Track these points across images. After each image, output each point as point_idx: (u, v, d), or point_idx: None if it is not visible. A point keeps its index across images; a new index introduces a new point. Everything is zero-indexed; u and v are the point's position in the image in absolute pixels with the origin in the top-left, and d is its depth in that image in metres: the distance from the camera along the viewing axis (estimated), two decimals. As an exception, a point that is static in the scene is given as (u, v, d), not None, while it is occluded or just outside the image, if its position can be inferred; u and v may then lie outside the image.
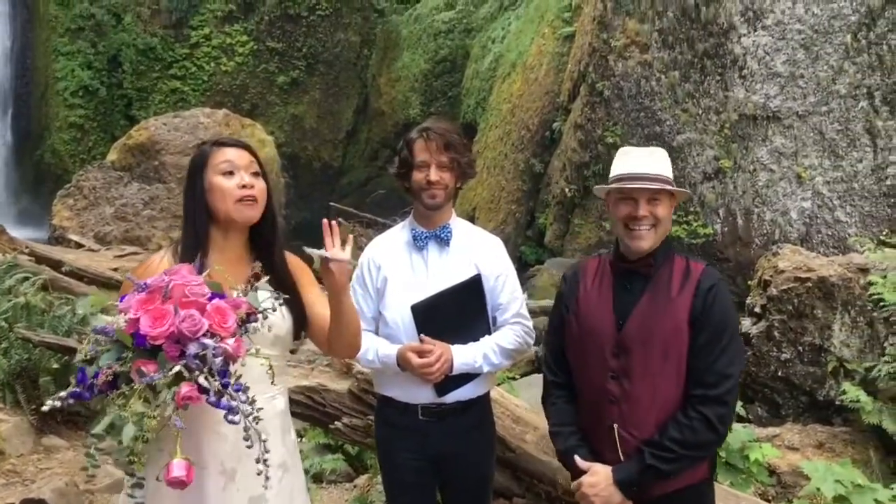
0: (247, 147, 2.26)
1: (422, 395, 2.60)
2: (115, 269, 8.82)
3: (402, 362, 2.54)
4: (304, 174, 20.07)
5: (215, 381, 1.82)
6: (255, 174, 2.21)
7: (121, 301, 1.90)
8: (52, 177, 19.18)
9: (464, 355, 2.56)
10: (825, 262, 6.07)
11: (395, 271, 2.66)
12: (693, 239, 10.72)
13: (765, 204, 10.70)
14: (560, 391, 2.44)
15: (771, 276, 6.05)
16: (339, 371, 4.16)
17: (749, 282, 6.92)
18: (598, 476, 2.25)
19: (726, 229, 10.86)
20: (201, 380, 1.80)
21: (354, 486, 4.88)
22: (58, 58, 19.64)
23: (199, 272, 2.00)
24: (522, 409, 3.84)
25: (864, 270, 5.87)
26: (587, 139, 11.37)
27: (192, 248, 2.14)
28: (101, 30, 19.76)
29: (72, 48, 19.61)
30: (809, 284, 5.84)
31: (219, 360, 1.83)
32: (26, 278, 6.57)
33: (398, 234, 2.76)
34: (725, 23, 10.69)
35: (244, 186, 2.16)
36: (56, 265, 8.21)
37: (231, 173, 2.17)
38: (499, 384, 4.28)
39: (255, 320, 1.96)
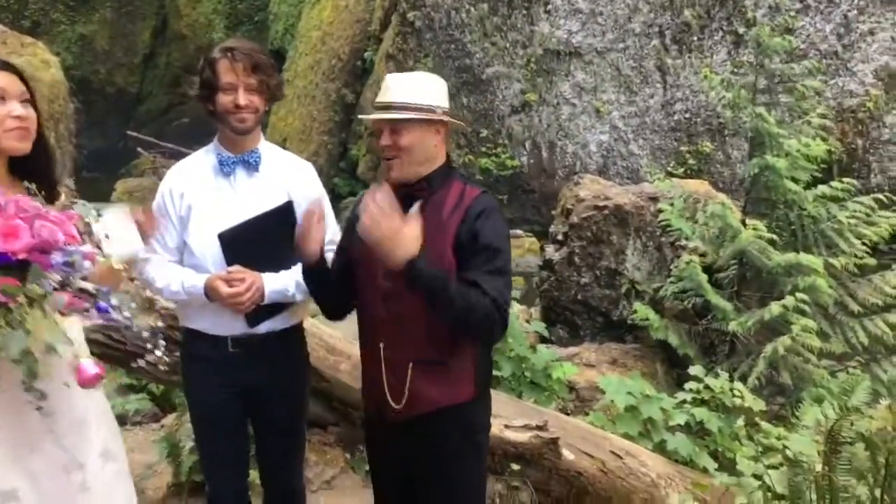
0: (17, 72, 2.08)
1: (232, 326, 2.51)
2: None
3: (210, 293, 2.43)
4: (97, 100, 18.59)
5: (90, 285, 1.82)
6: (26, 102, 2.04)
7: None
8: None
9: (275, 283, 2.48)
10: (620, 191, 6.48)
11: (199, 198, 2.52)
12: (501, 171, 11.06)
13: (567, 137, 11.19)
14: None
15: (572, 205, 6.37)
16: (140, 307, 3.94)
17: (553, 212, 7.26)
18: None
19: (532, 161, 11.29)
20: (80, 283, 1.79)
21: (161, 427, 4.70)
22: None
23: None
24: (336, 339, 3.84)
25: (655, 199, 6.32)
26: (399, 70, 11.29)
27: None
28: None
29: None
30: (606, 212, 6.21)
31: (87, 263, 1.82)
32: None
33: (202, 159, 2.60)
34: (532, -43, 10.91)
35: (17, 117, 2.00)
36: None
37: (2, 99, 1.99)
38: (312, 316, 4.24)
39: (90, 231, 1.97)
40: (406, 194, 2.29)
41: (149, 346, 1.97)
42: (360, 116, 2.26)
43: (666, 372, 5.74)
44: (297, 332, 2.70)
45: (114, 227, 2.10)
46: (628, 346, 6.02)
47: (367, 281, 2.32)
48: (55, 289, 1.78)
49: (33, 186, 1.97)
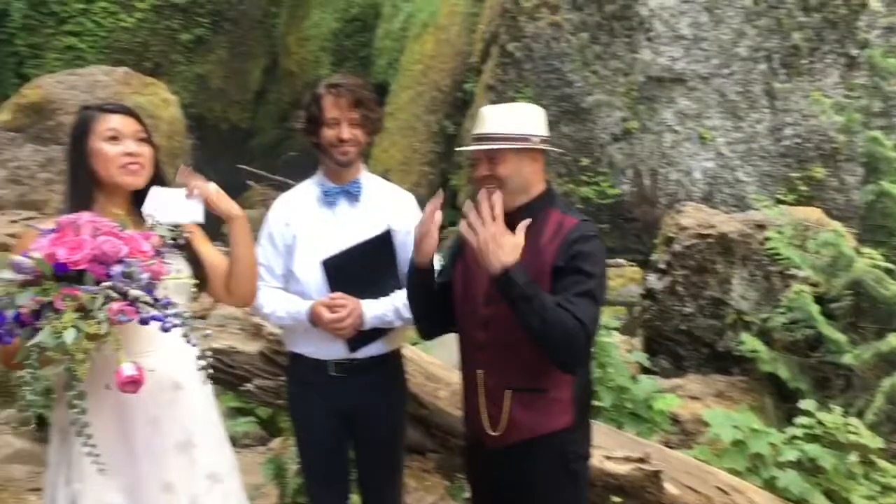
0: (132, 113, 2.26)
1: (333, 350, 2.59)
2: (11, 235, 8.41)
3: (314, 318, 2.52)
4: (212, 136, 19.47)
5: (145, 295, 1.87)
6: (141, 140, 2.21)
7: (24, 254, 1.89)
8: (-62, 138, 18.08)
9: (375, 310, 2.55)
10: (725, 218, 6.31)
11: (304, 227, 2.63)
12: (602, 199, 10.94)
13: (670, 164, 10.99)
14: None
15: (675, 233, 6.24)
16: (249, 333, 4.09)
17: (655, 240, 7.13)
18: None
19: (634, 189, 11.12)
20: (135, 293, 1.85)
21: (268, 449, 4.85)
22: (-60, 11, 18.42)
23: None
24: (436, 366, 3.88)
25: (762, 226, 6.12)
26: (499, 100, 11.39)
27: (76, 211, 2.09)
28: (-12, -18, 18.61)
29: (-45, 1, 18.43)
30: (711, 240, 6.05)
31: (145, 275, 1.88)
32: (-88, 244, 6.19)
33: (307, 189, 2.72)
34: (633, -16, 10.84)
35: (129, 154, 2.16)
36: (-55, 231, 7.78)
37: (116, 139, 2.16)
38: (412, 344, 4.30)
39: (164, 253, 2.03)
40: (507, 222, 2.29)
41: (201, 362, 2.03)
42: (458, 148, 2.31)
43: (775, 406, 5.51)
44: (395, 357, 2.76)
45: (168, 201, 2.19)
46: (735, 378, 5.82)
47: (467, 308, 2.35)
48: (110, 298, 1.84)
49: (151, 217, 2.11)
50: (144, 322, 1.88)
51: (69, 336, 1.76)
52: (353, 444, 2.77)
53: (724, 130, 10.92)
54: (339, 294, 2.52)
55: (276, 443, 4.79)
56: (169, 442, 2.12)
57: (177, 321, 1.92)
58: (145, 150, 2.21)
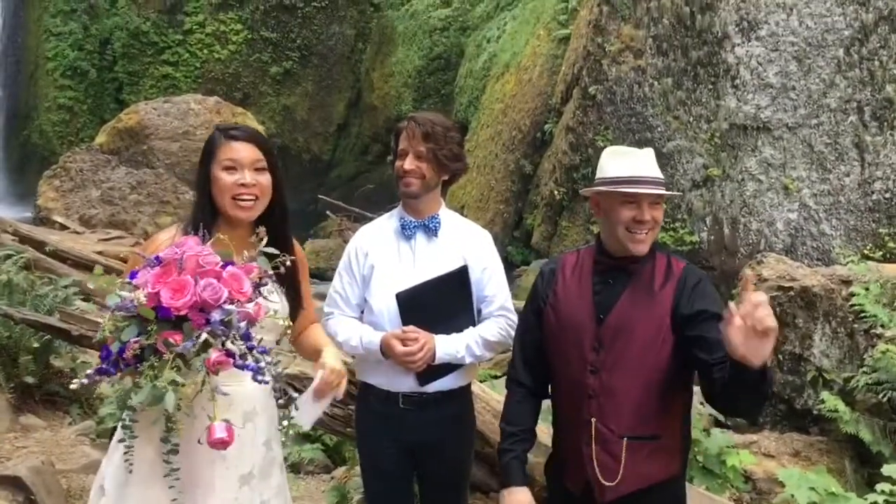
0: (257, 141, 2.27)
1: (404, 383, 2.60)
2: (100, 253, 8.77)
3: (386, 350, 2.54)
4: (294, 166, 19.99)
5: (242, 344, 1.89)
6: (260, 170, 2.23)
7: (131, 277, 1.93)
8: (39, 157, 19.01)
9: (447, 345, 2.56)
10: (808, 272, 6.12)
11: (381, 259, 2.66)
12: (679, 246, 10.75)
13: (751, 214, 10.75)
14: (518, 388, 2.46)
15: (754, 284, 6.09)
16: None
17: (733, 291, 6.97)
18: (518, 496, 2.32)
19: (712, 237, 10.90)
20: (228, 344, 1.87)
21: (332, 478, 4.88)
22: (49, 38, 19.48)
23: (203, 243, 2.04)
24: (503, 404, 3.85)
25: (847, 282, 5.93)
26: (578, 142, 11.39)
27: (196, 232, 2.16)
28: (93, 12, 19.61)
29: (63, 29, 19.45)
30: (792, 293, 5.88)
31: (243, 324, 1.90)
32: (9, 256, 6.52)
33: (387, 222, 2.76)
34: (720, 32, 10.74)
35: (243, 185, 2.18)
36: (39, 245, 8.16)
37: (234, 169, 2.19)
38: (481, 381, 4.28)
39: (267, 283, 2.04)
40: (614, 266, 2.32)
41: (280, 413, 2.06)
42: (612, 189, 2.28)
43: (855, 470, 5.27)
44: (465, 393, 2.75)
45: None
46: (813, 437, 5.60)
47: (571, 354, 2.31)
48: (207, 346, 1.86)
49: (262, 230, 2.12)
50: (239, 368, 1.91)
51: (169, 401, 1.78)
52: (417, 477, 2.76)
53: (809, 182, 10.64)
54: (412, 328, 2.54)
55: (339, 471, 4.81)
56: (233, 475, 2.15)
57: (271, 372, 1.96)
58: (263, 179, 2.22)
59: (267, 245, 2.16)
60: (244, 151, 2.21)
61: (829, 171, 10.58)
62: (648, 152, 2.35)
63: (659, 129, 11.11)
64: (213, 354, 1.85)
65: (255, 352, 1.92)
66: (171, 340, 1.82)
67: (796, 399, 5.88)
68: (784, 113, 10.74)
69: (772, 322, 1.81)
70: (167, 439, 1.89)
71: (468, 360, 2.60)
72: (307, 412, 2.23)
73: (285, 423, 2.03)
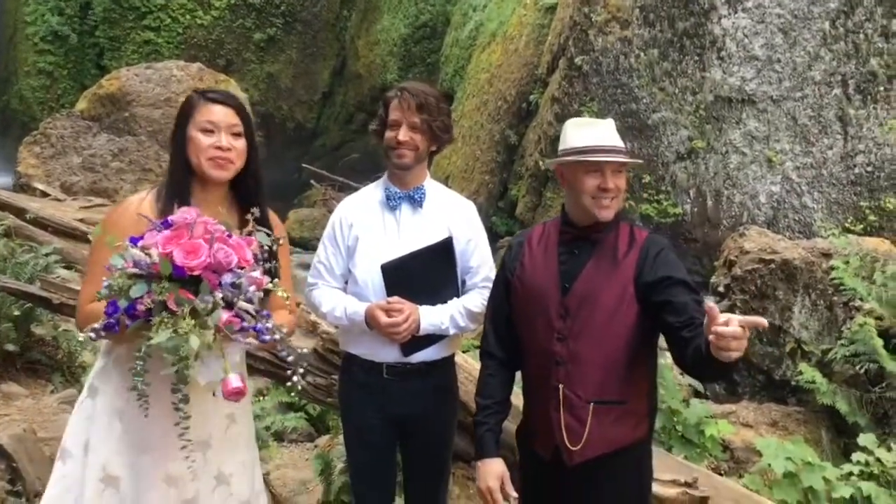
0: (235, 105, 2.28)
1: (387, 354, 2.61)
2: (81, 220, 8.69)
3: (370, 320, 2.55)
4: (278, 134, 19.84)
5: (250, 307, 1.97)
6: (237, 135, 2.24)
7: (133, 240, 1.97)
8: (19, 123, 18.73)
9: (431, 316, 2.57)
10: (790, 244, 6.17)
11: (366, 230, 2.66)
12: (663, 218, 10.80)
13: (735, 186, 10.80)
14: (491, 361, 2.51)
15: (736, 256, 6.14)
16: (304, 330, 4.15)
17: (715, 262, 7.01)
18: (491, 467, 2.39)
19: (696, 210, 10.95)
20: (242, 304, 1.95)
21: (315, 447, 4.91)
22: (28, 1, 19.11)
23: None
24: (486, 374, 3.88)
25: (827, 255, 5.98)
26: (563, 113, 11.35)
27: (172, 196, 2.19)
28: (73, -25, 19.25)
29: (42, -8, 19.11)
30: (773, 266, 5.93)
31: (252, 287, 1.97)
32: (-11, 224, 6.45)
33: (371, 193, 2.75)
34: (706, 2, 10.70)
35: (219, 147, 2.20)
36: (20, 213, 8.08)
37: (211, 132, 2.20)
38: (464, 351, 4.30)
39: (265, 258, 2.12)
40: (579, 236, 2.36)
41: (289, 371, 2.09)
42: (577, 158, 2.30)
43: (831, 440, 5.37)
44: (448, 364, 2.77)
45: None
46: (791, 408, 5.68)
47: (538, 323, 2.36)
48: (218, 306, 1.93)
49: (256, 210, 2.17)
50: (244, 331, 1.97)
51: (194, 342, 1.85)
52: (401, 447, 2.79)
53: (793, 154, 10.69)
54: (396, 298, 2.55)
55: (323, 440, 4.85)
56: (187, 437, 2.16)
57: (276, 334, 2.01)
58: (239, 144, 2.24)
59: (240, 212, 2.22)
60: (222, 114, 2.23)
61: (813, 144, 10.63)
62: (609, 123, 2.40)
63: (644, 100, 11.09)
64: (224, 314, 1.92)
65: (260, 315, 1.99)
66: (183, 297, 1.89)
67: (775, 370, 5.95)
68: (769, 85, 10.74)
69: (741, 333, 1.85)
70: (177, 388, 1.93)
71: (452, 331, 2.62)
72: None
73: (295, 378, 2.08)
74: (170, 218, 1.99)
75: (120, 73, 13.42)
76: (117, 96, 12.74)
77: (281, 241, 2.20)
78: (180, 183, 2.22)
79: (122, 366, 2.10)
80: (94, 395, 2.20)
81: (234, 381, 1.94)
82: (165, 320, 1.87)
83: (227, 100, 2.27)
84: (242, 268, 1.98)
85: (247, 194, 2.31)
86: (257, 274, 2.02)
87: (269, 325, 2.02)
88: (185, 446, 1.98)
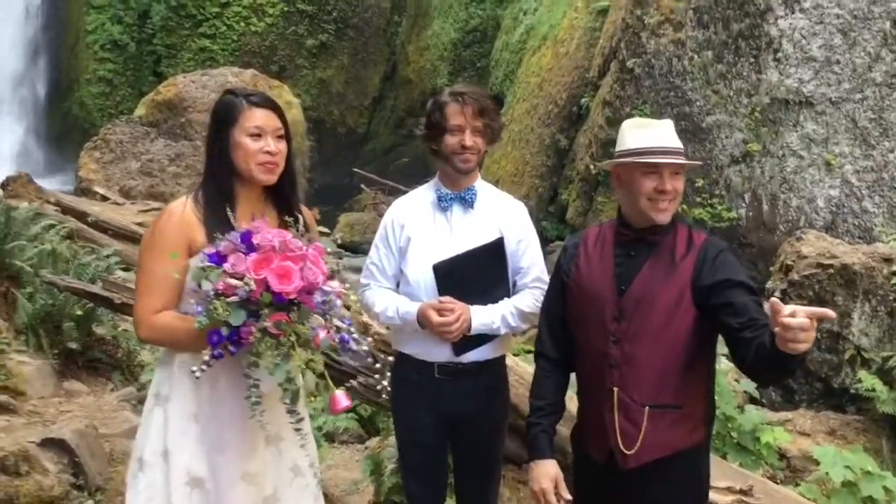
0: (276, 108, 2.31)
1: (439, 353, 2.63)
2: (139, 224, 8.91)
3: (422, 320, 2.57)
4: (329, 139, 20.07)
5: (341, 322, 2.07)
6: (280, 137, 2.27)
7: (212, 259, 2.02)
8: (80, 129, 19.30)
9: (482, 316, 2.58)
10: (849, 249, 6.04)
11: (418, 231, 2.68)
12: (717, 222, 10.64)
13: (791, 190, 10.58)
14: (545, 362, 2.49)
15: (793, 261, 6.02)
16: (357, 330, 4.19)
17: (771, 267, 6.88)
18: (545, 468, 2.38)
19: (751, 214, 10.76)
20: (336, 322, 2.04)
21: (366, 448, 4.94)
22: (89, 11, 19.69)
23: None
24: (537, 377, 3.87)
25: (888, 260, 5.83)
26: (615, 116, 11.26)
27: (218, 200, 2.21)
28: (132, -16, 19.77)
29: (103, 2, 19.66)
30: (832, 271, 5.80)
31: (339, 302, 2.06)
32: (52, 226, 6.65)
33: (423, 194, 2.77)
34: (763, 3, 10.52)
35: (268, 152, 2.22)
36: (81, 216, 8.32)
37: (259, 136, 2.22)
38: (515, 355, 4.30)
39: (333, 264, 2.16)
40: (636, 238, 2.34)
41: (377, 376, 2.14)
42: (635, 160, 2.28)
43: (892, 449, 5.23)
44: (499, 365, 2.78)
45: None
46: (849, 416, 5.55)
47: (593, 325, 2.34)
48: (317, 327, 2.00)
49: (316, 211, 2.23)
50: (340, 345, 2.06)
51: (310, 380, 1.98)
52: (452, 447, 2.80)
53: (852, 158, 10.44)
54: (448, 298, 2.56)
55: (374, 441, 4.88)
56: (260, 435, 2.23)
57: (362, 343, 2.10)
58: (283, 147, 2.27)
59: (278, 212, 2.28)
60: (267, 118, 2.25)
61: (873, 146, 10.37)
62: (667, 123, 2.36)
63: (698, 103, 10.95)
64: (321, 332, 2.01)
65: (347, 326, 2.09)
66: (283, 322, 1.95)
67: (833, 378, 5.82)
68: (827, 87, 10.52)
69: (809, 324, 1.81)
70: (293, 410, 2.03)
71: (503, 330, 2.62)
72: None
73: (384, 382, 2.17)
74: (253, 239, 2.02)
75: (177, 79, 13.73)
76: (174, 102, 13.03)
77: (336, 239, 2.25)
78: (227, 186, 2.23)
79: (189, 370, 2.14)
80: (163, 402, 2.23)
81: (343, 400, 2.03)
82: (269, 345, 1.94)
83: (269, 103, 2.29)
84: (326, 283, 2.03)
85: (284, 194, 2.33)
86: (336, 285, 2.07)
87: (356, 335, 2.09)
88: (304, 447, 2.14)
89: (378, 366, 2.11)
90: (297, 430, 2.02)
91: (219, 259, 2.01)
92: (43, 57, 20.77)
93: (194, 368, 2.03)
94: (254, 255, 1.98)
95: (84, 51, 19.93)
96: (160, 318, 2.15)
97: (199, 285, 2.01)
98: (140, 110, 13.57)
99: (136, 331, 2.26)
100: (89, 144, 13.13)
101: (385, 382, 2.13)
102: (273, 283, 1.94)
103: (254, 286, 1.94)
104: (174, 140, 12.67)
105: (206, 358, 2.00)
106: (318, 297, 2.00)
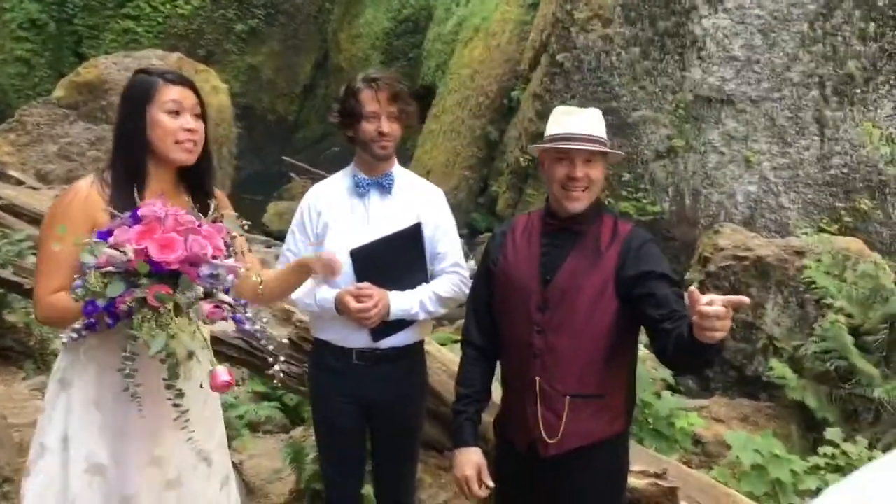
0: (192, 86, 2.25)
1: (358, 339, 2.62)
2: (57, 209, 8.59)
3: (340, 306, 2.56)
4: (258, 126, 19.71)
5: (229, 297, 1.99)
6: (198, 116, 2.21)
7: (100, 236, 1.96)
8: (-5, 111, 18.52)
9: (400, 302, 2.58)
10: (763, 242, 6.24)
11: (335, 217, 2.66)
12: (641, 216, 10.86)
13: (713, 185, 10.88)
14: (472, 350, 2.50)
15: (710, 253, 6.20)
16: (279, 318, 4.15)
17: (691, 261, 7.07)
18: (468, 456, 2.39)
19: (674, 208, 11.02)
20: (221, 296, 1.97)
21: (290, 437, 4.90)
22: (6, -12, 18.89)
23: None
24: (458, 364, 3.89)
25: (801, 253, 6.05)
26: (545, 109, 11.38)
27: (129, 180, 2.13)
28: (53, -38, 19.04)
29: (20, -21, 18.88)
30: (747, 263, 6.00)
31: (230, 277, 2.00)
32: (-38, 210, 6.38)
33: (339, 180, 2.75)
34: (687, 2, 10.76)
35: (188, 130, 2.16)
36: (-6, 200, 7.98)
37: (177, 113, 2.16)
38: (442, 345, 4.31)
39: (233, 245, 2.10)
40: (561, 228, 2.34)
41: (270, 359, 2.10)
42: (546, 145, 2.28)
43: (801, 435, 5.43)
44: (418, 350, 2.78)
45: None
46: (762, 403, 5.75)
47: (518, 314, 2.34)
48: (199, 299, 1.93)
49: (222, 194, 2.18)
50: (224, 321, 2.00)
51: (186, 342, 1.91)
52: (370, 433, 2.80)
53: (770, 155, 10.78)
54: (366, 284, 2.55)
55: (297, 431, 4.84)
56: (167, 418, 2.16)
57: (256, 324, 2.04)
58: (201, 126, 2.21)
59: (192, 195, 2.22)
60: (185, 95, 2.19)
61: (790, 144, 10.73)
62: (593, 111, 2.36)
63: (625, 98, 11.15)
64: (206, 306, 1.95)
65: (238, 304, 2.02)
66: (163, 293, 1.88)
67: (747, 366, 6.02)
68: (748, 86, 10.83)
69: (725, 312, 1.85)
70: (171, 385, 1.94)
71: (422, 315, 2.63)
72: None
73: (276, 367, 2.10)
74: (139, 212, 1.96)
75: (98, 61, 13.26)
76: (95, 84, 12.60)
77: (245, 225, 2.19)
78: (138, 166, 2.16)
79: (95, 356, 2.09)
80: (67, 387, 2.17)
81: (223, 374, 1.96)
82: (147, 317, 1.87)
83: (185, 81, 2.23)
84: (216, 257, 1.97)
85: (199, 175, 2.27)
86: (231, 262, 2.02)
87: (249, 314, 2.03)
88: (186, 428, 2.00)
89: (271, 347, 2.07)
90: (176, 405, 1.95)
91: (108, 236, 1.96)
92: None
93: (62, 335, 1.98)
94: (137, 227, 1.93)
95: (1, 30, 19.10)
96: (57, 298, 2.08)
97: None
98: (59, 92, 13.07)
99: (35, 311, 2.19)
100: (4, 126, 12.59)
101: (276, 368, 2.08)
102: (153, 253, 1.88)
103: (131, 255, 1.88)
104: (94, 123, 12.24)
105: (78, 327, 1.95)
106: (204, 270, 1.94)
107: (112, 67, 12.69)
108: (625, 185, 11.04)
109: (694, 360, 2.08)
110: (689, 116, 10.98)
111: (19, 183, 10.79)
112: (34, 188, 10.47)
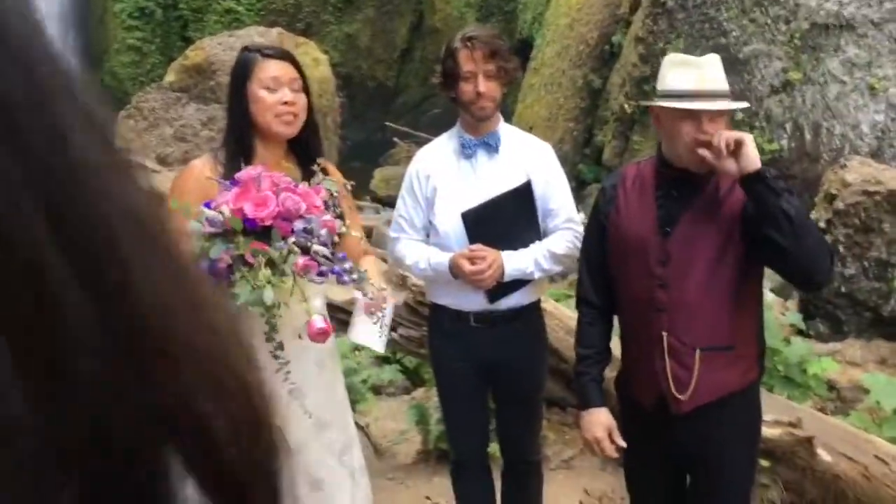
0: (292, 60, 2.30)
1: (474, 302, 2.62)
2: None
3: (455, 269, 2.56)
4: (359, 94, 19.94)
5: (325, 250, 2.03)
6: (297, 90, 2.25)
7: (206, 205, 2.03)
8: (113, 99, 19.43)
9: (515, 261, 2.56)
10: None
11: (444, 180, 2.66)
12: (759, 155, 10.41)
13: (835, 117, 10.28)
14: (588, 309, 2.45)
15: (837, 189, 5.86)
16: (395, 284, 4.21)
17: (815, 199, 6.72)
18: (598, 417, 2.34)
19: (793, 144, 10.49)
20: (317, 248, 2.01)
21: (412, 399, 5.00)
22: (113, -20, 19.70)
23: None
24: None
25: (938, 183, 5.64)
26: (648, 53, 10.99)
27: (236, 155, 2.22)
28: (155, -50, 19.72)
29: (127, -30, 19.65)
30: (878, 198, 5.63)
31: (324, 231, 2.03)
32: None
33: (445, 143, 2.74)
34: (798, -77, 10.12)
35: (286, 103, 2.21)
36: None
37: (275, 88, 2.21)
38: (557, 301, 4.28)
39: (334, 204, 2.16)
40: (677, 177, 2.25)
41: (383, 305, 2.14)
42: (681, 105, 2.19)
43: (946, 376, 5.12)
44: (536, 310, 2.76)
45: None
46: (901, 345, 5.44)
47: (636, 269, 2.28)
48: (293, 252, 1.98)
49: (323, 160, 2.26)
50: (323, 275, 2.03)
51: (268, 296, 1.91)
52: (493, 394, 2.81)
53: (896, 80, 10.08)
54: (478, 246, 2.54)
55: (419, 392, 4.93)
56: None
57: (353, 275, 2.06)
58: (301, 98, 2.25)
59: (301, 165, 2.26)
60: (283, 70, 2.24)
61: (919, 67, 10.00)
62: (712, 60, 2.24)
63: (734, 33, 10.64)
64: (301, 259, 1.98)
65: (336, 258, 2.05)
66: (257, 248, 1.94)
67: (882, 306, 5.69)
68: (868, 8, 10.13)
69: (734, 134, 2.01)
70: (271, 337, 1.98)
71: (537, 274, 2.60)
72: (364, 332, 2.28)
73: (387, 309, 2.19)
74: (236, 176, 2.03)
75: (203, 43, 13.66)
76: (203, 66, 13.01)
77: (348, 187, 2.23)
78: (244, 141, 2.24)
79: None
80: None
81: (318, 321, 2.00)
82: (246, 274, 1.92)
83: (284, 55, 2.30)
84: (312, 214, 2.02)
85: (307, 148, 2.33)
86: (328, 218, 2.07)
87: (347, 266, 2.06)
88: (292, 391, 2.02)
89: (370, 297, 2.10)
90: (276, 357, 1.98)
91: (210, 205, 2.04)
92: (73, 30, 20.87)
93: None
94: (235, 189, 1.99)
95: (112, 20, 19.98)
96: None
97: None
98: (170, 76, 13.58)
99: None
100: (124, 113, 13.22)
101: (387, 309, 2.11)
102: (248, 210, 1.94)
103: (228, 214, 1.94)
104: (205, 104, 12.66)
105: None
106: (298, 225, 1.98)
107: (217, 48, 13.06)
108: (738, 124, 10.57)
109: (778, 229, 2.04)
110: (806, 46, 10.38)
111: (143, 167, 11.35)
112: (156, 171, 10.99)
